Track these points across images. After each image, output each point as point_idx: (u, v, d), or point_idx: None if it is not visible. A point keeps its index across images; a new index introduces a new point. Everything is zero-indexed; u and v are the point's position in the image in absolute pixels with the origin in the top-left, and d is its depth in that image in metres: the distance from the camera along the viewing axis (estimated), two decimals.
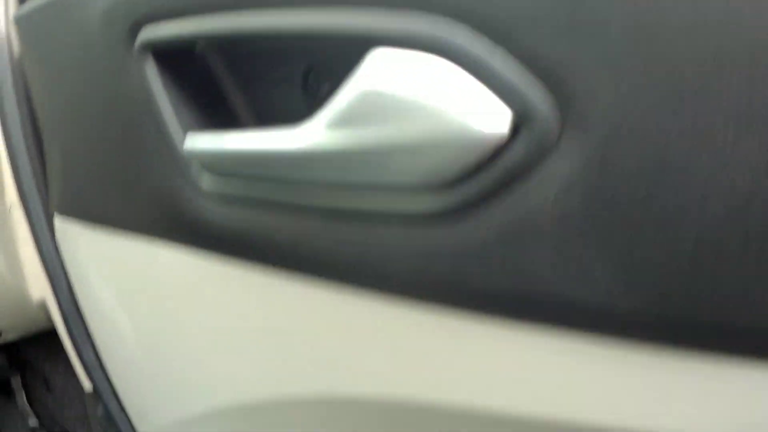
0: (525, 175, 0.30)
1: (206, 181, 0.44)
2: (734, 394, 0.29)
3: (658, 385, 0.30)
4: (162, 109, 0.45)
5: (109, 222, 0.57)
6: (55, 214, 0.66)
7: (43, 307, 0.85)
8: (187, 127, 0.45)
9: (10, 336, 1.01)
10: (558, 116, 0.29)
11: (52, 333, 1.09)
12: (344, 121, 0.33)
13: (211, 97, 0.48)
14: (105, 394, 0.85)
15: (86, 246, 0.63)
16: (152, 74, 0.45)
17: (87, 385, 0.89)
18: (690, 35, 0.25)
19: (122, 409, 0.85)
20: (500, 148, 0.30)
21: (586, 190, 0.29)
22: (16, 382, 1.29)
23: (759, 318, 0.27)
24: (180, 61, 0.45)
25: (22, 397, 1.29)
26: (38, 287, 0.83)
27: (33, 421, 1.30)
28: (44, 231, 0.76)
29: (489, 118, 0.29)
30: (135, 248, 0.55)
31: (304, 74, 0.44)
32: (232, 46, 0.46)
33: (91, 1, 0.47)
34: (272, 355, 0.48)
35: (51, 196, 0.66)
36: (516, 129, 0.29)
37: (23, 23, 0.63)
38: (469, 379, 0.36)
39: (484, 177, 0.31)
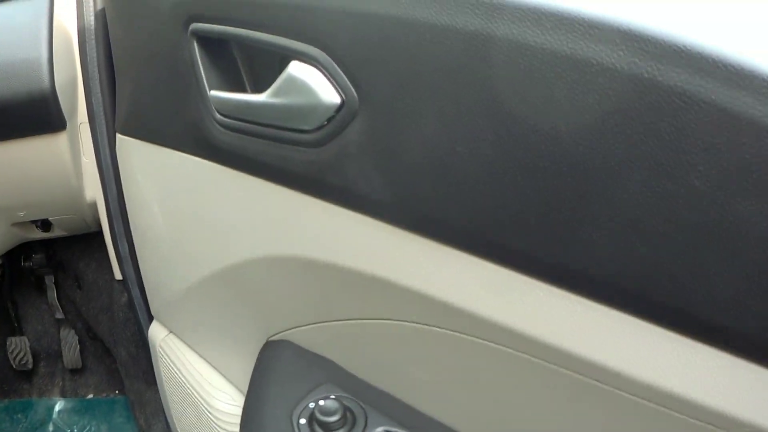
0: (346, 125, 0.56)
1: (220, 118, 0.67)
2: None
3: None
4: (199, 73, 0.68)
5: (158, 140, 0.79)
6: (118, 133, 0.89)
7: (93, 207, 1.07)
8: (213, 86, 0.68)
9: (56, 231, 1.23)
10: (358, 102, 0.55)
11: (88, 237, 1.31)
12: (278, 92, 0.60)
13: (228, 70, 0.70)
14: (130, 282, 1.07)
15: (139, 157, 0.85)
16: (195, 52, 0.68)
17: (117, 274, 1.11)
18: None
19: (142, 295, 1.08)
20: (336, 111, 0.56)
21: (368, 135, 0.55)
22: (49, 280, 1.51)
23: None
24: (214, 46, 0.68)
25: (53, 293, 1.51)
26: (92, 190, 1.05)
27: (59, 314, 1.52)
28: (105, 145, 0.98)
29: (331, 96, 0.56)
30: (173, 158, 0.78)
31: (279, 64, 0.66)
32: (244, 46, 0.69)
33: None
34: (248, 229, 0.72)
35: (118, 118, 0.88)
36: (342, 105, 0.56)
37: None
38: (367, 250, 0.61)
39: (331, 125, 0.57)
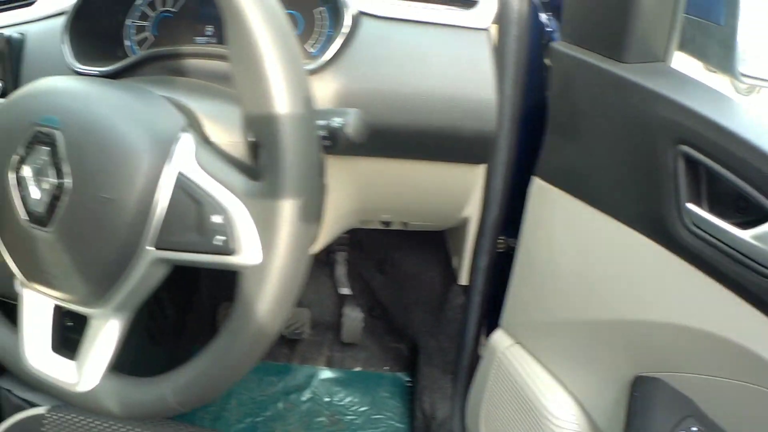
0: None
1: (694, 230, 0.77)
2: None
3: None
4: (679, 186, 0.77)
5: (594, 203, 0.90)
6: (538, 178, 1.00)
7: (463, 221, 1.20)
8: (686, 197, 0.77)
9: (394, 226, 1.32)
10: None
11: (409, 231, 1.43)
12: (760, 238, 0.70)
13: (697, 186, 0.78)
14: (475, 290, 1.24)
15: (560, 205, 0.95)
16: (680, 168, 0.76)
17: (463, 280, 1.28)
18: None
19: (482, 303, 1.25)
20: None
21: None
22: (341, 256, 1.63)
23: None
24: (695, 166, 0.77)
25: (343, 269, 1.64)
26: (469, 208, 1.17)
27: (346, 291, 1.66)
28: (500, 177, 1.09)
29: None
30: (603, 221, 0.89)
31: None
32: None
33: (652, 109, 0.79)
34: (662, 300, 0.84)
35: (542, 165, 0.98)
36: None
37: (557, 57, 0.95)
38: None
39: None
